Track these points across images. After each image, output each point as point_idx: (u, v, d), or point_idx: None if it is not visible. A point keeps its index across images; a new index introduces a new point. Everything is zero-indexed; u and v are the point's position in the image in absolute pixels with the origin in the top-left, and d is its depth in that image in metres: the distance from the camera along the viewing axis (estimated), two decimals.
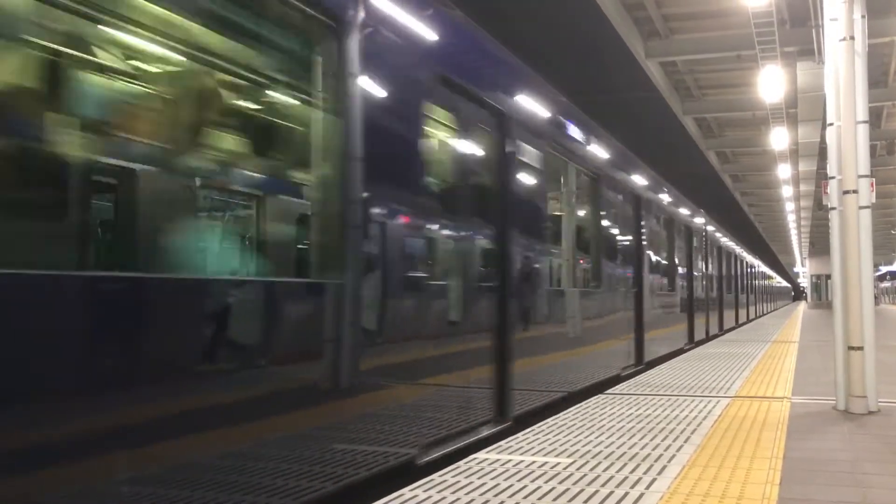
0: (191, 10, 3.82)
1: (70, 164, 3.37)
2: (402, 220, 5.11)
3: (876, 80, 20.28)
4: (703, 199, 22.35)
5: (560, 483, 4.21)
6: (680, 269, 15.63)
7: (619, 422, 6.14)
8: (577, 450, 5.08)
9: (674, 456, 4.88)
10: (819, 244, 53.77)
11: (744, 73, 21.13)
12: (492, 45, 6.90)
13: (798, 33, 16.87)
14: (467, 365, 5.86)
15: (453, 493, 4.02)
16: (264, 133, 4.71)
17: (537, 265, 7.40)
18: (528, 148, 7.25)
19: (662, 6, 17.84)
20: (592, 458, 4.84)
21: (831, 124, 6.78)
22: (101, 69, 3.61)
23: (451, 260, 5.83)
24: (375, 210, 4.77)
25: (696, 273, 17.57)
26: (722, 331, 20.98)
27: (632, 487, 4.12)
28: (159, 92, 3.95)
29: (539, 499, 3.90)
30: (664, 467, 4.57)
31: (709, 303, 19.37)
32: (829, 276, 11.69)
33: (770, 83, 18.51)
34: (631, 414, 6.52)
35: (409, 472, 4.82)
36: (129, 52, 3.79)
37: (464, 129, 6.03)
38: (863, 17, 6.73)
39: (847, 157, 6.57)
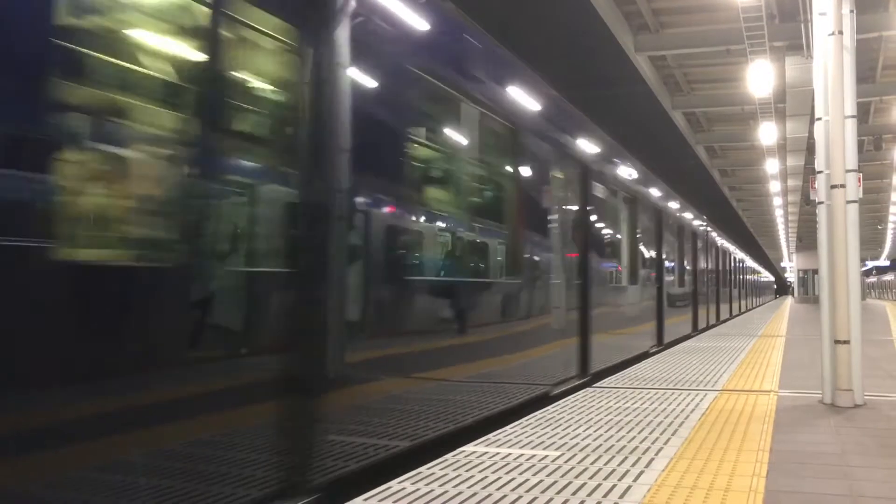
0: None
1: None
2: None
3: (864, 75, 20.38)
4: (691, 194, 22.41)
5: (548, 476, 4.21)
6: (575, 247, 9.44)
7: (606, 415, 6.15)
8: (565, 443, 5.09)
9: (661, 449, 4.89)
10: (806, 239, 54.04)
11: (733, 68, 21.18)
12: None
13: (787, 28, 16.92)
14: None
15: (441, 485, 4.02)
16: None
17: None
18: None
19: (652, 0, 17.86)
20: (580, 450, 4.85)
21: (819, 119, 6.80)
22: None
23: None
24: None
25: (616, 253, 11.91)
26: (661, 345, 14.05)
27: (619, 480, 4.12)
28: None
29: (527, 491, 3.90)
30: (652, 460, 4.59)
31: (645, 299, 13.19)
32: (815, 271, 11.79)
33: (759, 78, 18.55)
34: (619, 407, 6.54)
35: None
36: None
37: None
38: (851, 12, 6.76)
39: (835, 151, 6.59)
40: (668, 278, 15.72)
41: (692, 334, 17.94)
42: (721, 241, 26.61)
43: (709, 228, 23.00)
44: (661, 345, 14.08)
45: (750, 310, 38.51)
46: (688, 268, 18.61)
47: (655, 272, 14.45)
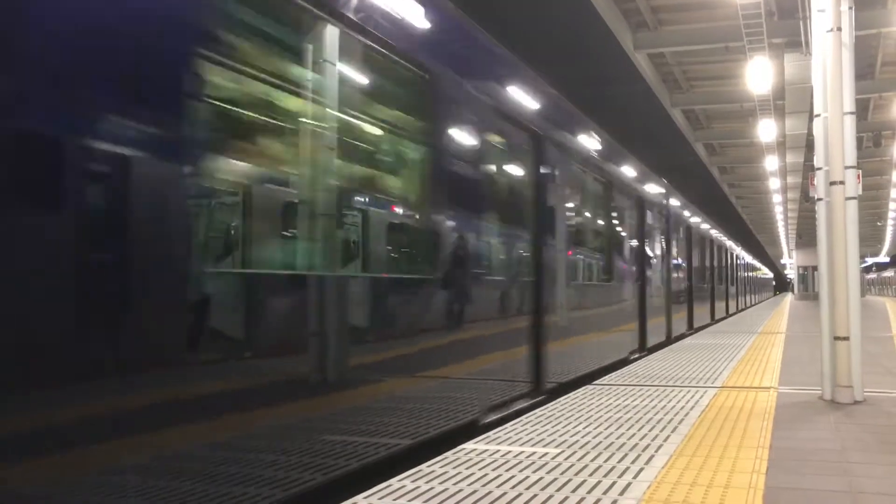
0: None
1: None
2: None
3: (863, 71, 20.42)
4: (690, 191, 22.40)
5: (548, 473, 4.22)
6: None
7: (606, 412, 6.15)
8: (565, 440, 5.09)
9: (661, 446, 4.90)
10: (806, 236, 54.08)
11: (732, 65, 21.21)
12: None
13: (785, 25, 16.95)
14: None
15: (441, 483, 4.02)
16: None
17: None
18: None
19: None
20: (580, 448, 4.85)
21: (818, 115, 6.80)
22: None
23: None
24: None
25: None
26: (541, 392, 7.82)
27: (619, 477, 4.13)
28: None
29: (527, 489, 3.91)
30: (651, 457, 4.59)
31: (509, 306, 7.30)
32: (815, 268, 11.49)
33: (758, 75, 18.58)
34: (619, 404, 6.54)
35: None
36: None
37: None
38: (850, 8, 6.75)
39: (834, 148, 6.60)
40: (586, 264, 10.15)
41: (632, 357, 11.56)
42: (695, 221, 19.64)
43: (672, 200, 16.16)
44: (542, 393, 7.64)
45: (741, 311, 31.57)
46: (625, 253, 12.32)
47: (532, 254, 7.82)
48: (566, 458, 4.56)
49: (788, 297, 57.71)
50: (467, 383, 6.23)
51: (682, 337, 15.69)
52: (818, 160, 6.81)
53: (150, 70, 3.25)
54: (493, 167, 7.00)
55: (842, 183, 6.56)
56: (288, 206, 4.72)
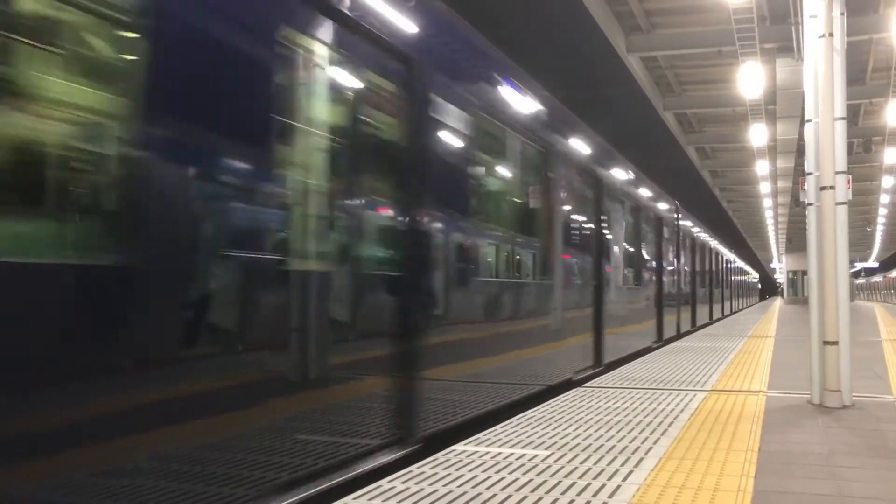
0: None
1: None
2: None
3: (854, 77, 20.53)
4: (681, 194, 22.44)
5: (538, 475, 4.22)
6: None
7: (596, 414, 6.16)
8: (555, 442, 5.09)
9: (651, 448, 4.91)
10: (796, 240, 54.29)
11: (724, 69, 21.29)
12: None
13: (778, 30, 17.02)
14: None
15: (431, 484, 4.02)
16: None
17: None
18: None
19: (644, 1, 17.91)
20: (570, 450, 4.86)
21: (809, 121, 6.83)
22: None
23: None
24: None
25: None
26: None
27: (609, 479, 4.13)
28: None
29: (517, 490, 3.91)
30: (641, 459, 4.60)
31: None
32: (805, 273, 11.35)
33: (750, 79, 18.65)
34: (609, 407, 6.55)
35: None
36: None
37: None
38: (842, 14, 6.78)
39: (824, 153, 6.62)
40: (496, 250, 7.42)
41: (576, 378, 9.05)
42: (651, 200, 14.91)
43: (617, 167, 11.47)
44: (415, 441, 5.23)
45: (697, 328, 20.72)
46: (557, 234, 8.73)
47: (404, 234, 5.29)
48: (556, 461, 4.57)
49: (777, 302, 57.88)
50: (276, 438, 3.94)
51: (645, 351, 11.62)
52: (809, 165, 6.84)
53: None
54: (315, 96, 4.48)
55: (832, 188, 6.59)
56: None
